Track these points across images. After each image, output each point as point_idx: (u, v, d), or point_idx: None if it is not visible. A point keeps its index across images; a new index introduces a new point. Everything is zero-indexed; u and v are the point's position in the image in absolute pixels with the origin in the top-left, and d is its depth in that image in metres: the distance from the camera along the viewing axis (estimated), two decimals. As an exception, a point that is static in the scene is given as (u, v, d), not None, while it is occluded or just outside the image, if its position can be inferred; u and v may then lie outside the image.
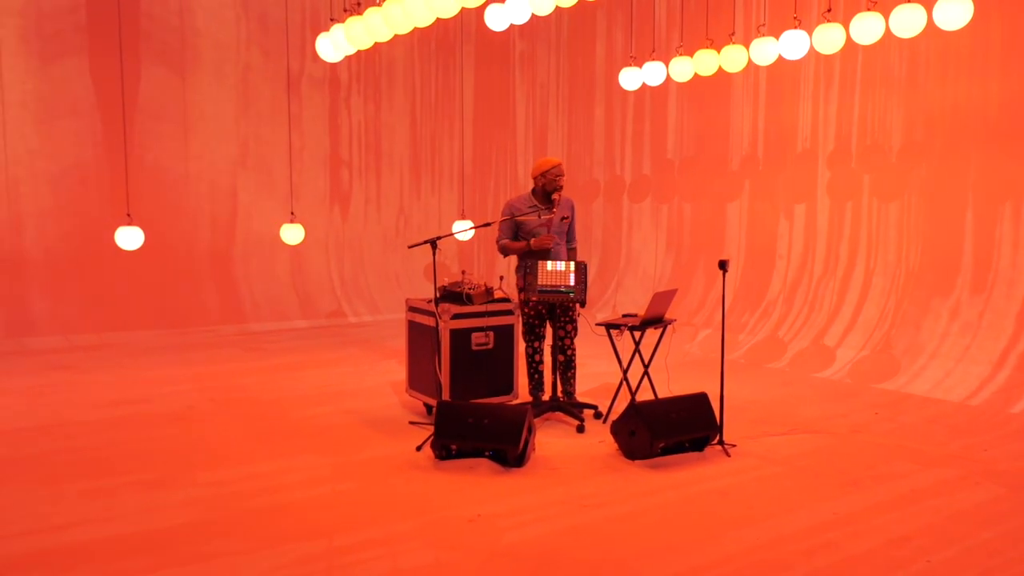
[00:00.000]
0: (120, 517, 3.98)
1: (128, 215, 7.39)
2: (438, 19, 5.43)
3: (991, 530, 3.89)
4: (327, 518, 4.01)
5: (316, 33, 8.66)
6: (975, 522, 3.99)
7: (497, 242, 5.99)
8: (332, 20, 6.08)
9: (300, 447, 5.18)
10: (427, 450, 5.00)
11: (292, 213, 7.78)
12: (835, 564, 3.52)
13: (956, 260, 7.10)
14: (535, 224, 5.83)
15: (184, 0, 9.42)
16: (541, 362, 5.91)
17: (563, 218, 5.90)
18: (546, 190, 5.84)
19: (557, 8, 5.64)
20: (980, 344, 6.72)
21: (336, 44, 6.08)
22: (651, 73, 7.36)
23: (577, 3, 5.53)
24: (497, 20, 5.73)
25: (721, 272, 5.16)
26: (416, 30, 10.50)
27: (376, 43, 5.99)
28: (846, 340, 7.65)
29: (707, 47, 6.88)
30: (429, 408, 5.81)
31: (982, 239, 6.94)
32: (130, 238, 7.25)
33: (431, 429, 5.06)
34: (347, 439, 5.36)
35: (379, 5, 5.28)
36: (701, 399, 5.11)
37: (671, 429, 4.90)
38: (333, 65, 10.35)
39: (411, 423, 5.68)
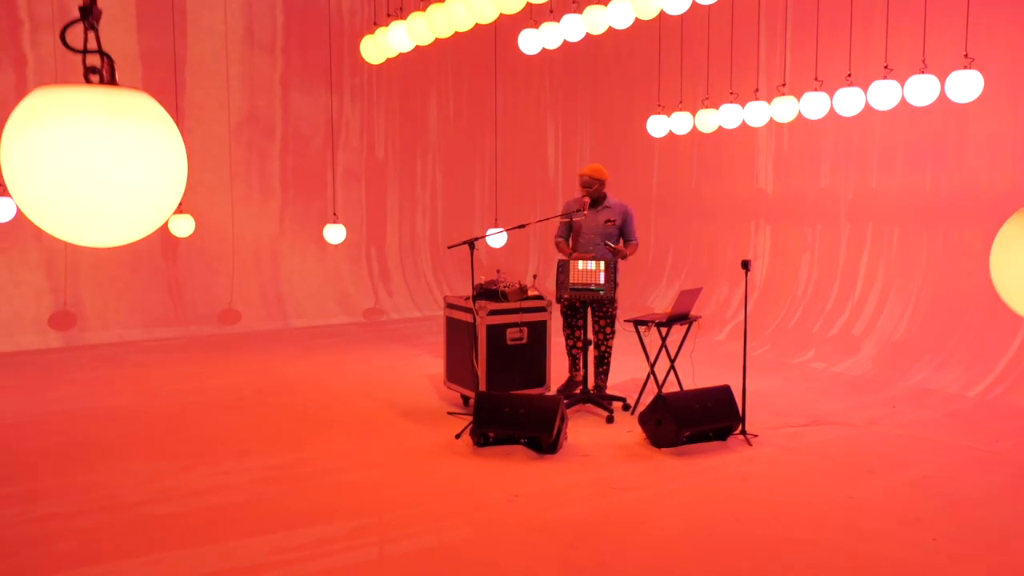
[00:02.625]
0: (193, 495, 4.36)
1: (180, 204, 7.81)
2: (472, 29, 5.77)
3: (995, 512, 4.15)
4: (376, 498, 4.35)
5: (355, 36, 9.02)
6: (981, 505, 4.25)
7: (555, 238, 6.58)
8: (375, 24, 6.40)
9: (346, 435, 5.54)
10: (466, 438, 5.33)
11: (335, 214, 8.15)
12: (850, 541, 3.80)
13: (976, 260, 7.31)
14: (584, 225, 6.32)
15: (228, 4, 9.84)
16: (574, 347, 6.36)
17: (607, 221, 6.26)
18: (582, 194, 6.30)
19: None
20: (996, 342, 6.93)
21: (379, 46, 6.39)
22: (678, 122, 7.70)
23: (607, 31, 5.83)
24: (530, 44, 6.05)
25: (744, 271, 5.45)
26: (450, 43, 10.85)
27: (416, 47, 6.29)
28: (867, 338, 7.88)
29: (732, 101, 7.18)
30: (466, 399, 6.15)
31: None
32: (183, 226, 7.70)
33: (469, 419, 5.39)
34: (390, 428, 5.71)
35: (423, 10, 5.60)
36: (724, 391, 5.39)
37: (696, 419, 5.19)
38: (369, 73, 10.72)
39: (449, 413, 6.02)
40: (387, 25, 6.34)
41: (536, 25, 6.11)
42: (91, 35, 1.17)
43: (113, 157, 1.09)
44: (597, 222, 6.25)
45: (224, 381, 7.17)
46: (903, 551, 3.70)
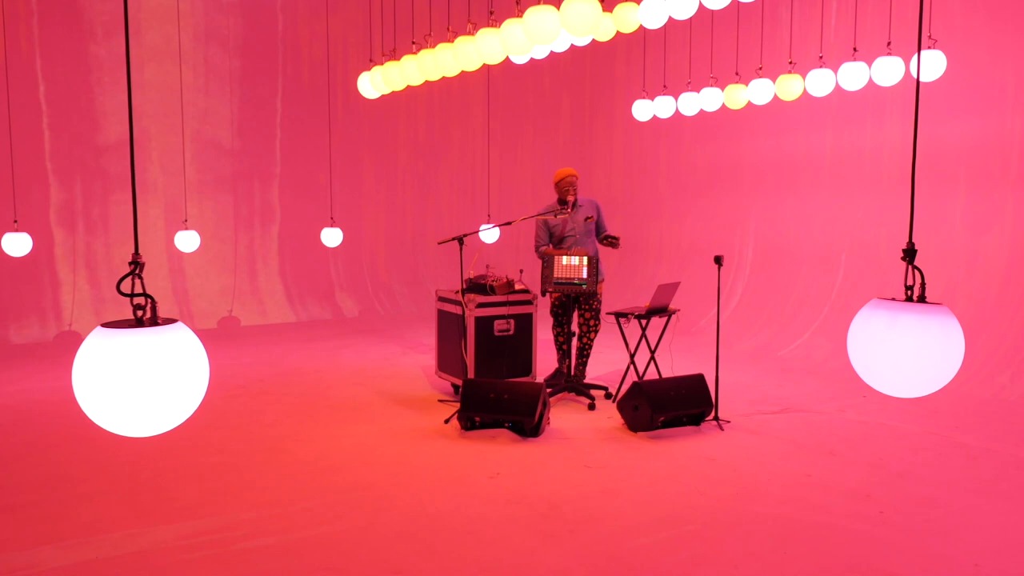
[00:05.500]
0: (195, 471, 4.70)
1: (185, 221, 8.18)
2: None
3: (942, 489, 4.47)
4: (367, 475, 4.69)
5: (355, 53, 9.39)
6: (929, 483, 4.57)
7: (536, 249, 6.70)
8: (371, 61, 6.74)
9: (343, 420, 5.87)
10: (454, 423, 5.66)
11: (332, 218, 8.48)
12: (799, 511, 4.12)
13: (953, 258, 7.63)
14: (562, 228, 6.55)
15: (234, 27, 10.20)
16: (565, 343, 6.63)
17: (587, 218, 6.55)
18: (562, 198, 6.52)
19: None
20: (968, 336, 7.23)
21: (374, 83, 6.74)
22: (662, 106, 8.01)
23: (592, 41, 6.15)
24: (519, 55, 6.36)
25: (717, 266, 5.76)
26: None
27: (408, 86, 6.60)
28: (844, 330, 8.18)
29: (712, 84, 7.49)
30: (456, 388, 6.47)
31: (979, 241, 7.46)
32: (188, 241, 8.03)
33: (457, 406, 5.72)
34: (384, 414, 6.04)
35: (414, 53, 5.93)
36: (698, 379, 5.71)
37: (670, 405, 5.51)
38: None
39: (440, 401, 6.35)
40: (382, 64, 6.65)
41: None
42: (138, 283, 1.63)
43: (155, 378, 1.56)
44: (578, 221, 6.57)
45: (224, 372, 7.50)
46: (851, 523, 4.01)
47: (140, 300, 1.60)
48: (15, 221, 7.49)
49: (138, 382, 1.54)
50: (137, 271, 1.62)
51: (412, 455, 5.06)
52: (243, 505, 4.19)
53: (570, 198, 6.52)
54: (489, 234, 8.09)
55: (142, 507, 4.16)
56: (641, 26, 5.71)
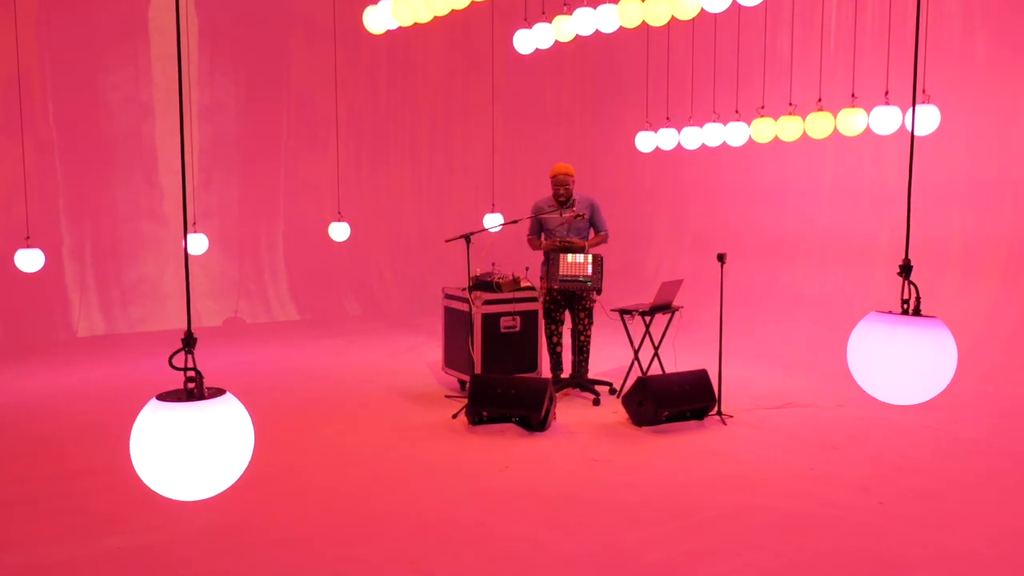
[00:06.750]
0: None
1: (194, 224, 8.28)
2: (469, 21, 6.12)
3: (938, 480, 4.58)
4: (381, 468, 4.79)
5: (352, 34, 9.43)
6: (927, 474, 4.67)
7: (527, 236, 6.78)
8: None
9: (353, 416, 5.97)
10: (462, 418, 5.76)
11: (339, 212, 8.56)
12: (802, 503, 4.22)
13: (946, 257, 7.73)
14: (555, 223, 6.57)
15: (239, 24, 10.28)
16: (559, 344, 6.66)
17: (577, 216, 6.59)
18: (553, 193, 6.61)
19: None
20: (967, 335, 7.33)
21: (381, 18, 6.69)
22: (664, 139, 8.11)
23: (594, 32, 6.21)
24: (524, 44, 6.43)
25: (720, 264, 5.86)
26: (447, 39, 11.24)
27: (418, 28, 6.51)
28: (844, 326, 8.28)
29: (715, 120, 7.56)
30: (463, 384, 6.57)
31: (970, 244, 7.57)
32: (196, 244, 8.16)
33: (464, 402, 5.82)
34: (392, 409, 6.14)
35: None
36: (702, 375, 5.81)
37: (674, 400, 5.60)
38: (368, 68, 11.14)
39: (447, 396, 6.45)
40: None
41: (529, 25, 6.49)
42: (190, 358, 1.76)
43: (204, 447, 1.71)
44: (566, 218, 6.63)
45: (234, 370, 7.59)
46: (853, 514, 4.11)
47: (192, 374, 1.74)
48: (27, 238, 7.51)
49: (190, 451, 1.68)
50: (190, 347, 1.76)
51: (422, 449, 5.16)
52: (259, 499, 4.29)
53: (561, 197, 6.58)
54: (493, 224, 8.15)
55: (159, 500, 4.23)
56: (645, 22, 5.76)
